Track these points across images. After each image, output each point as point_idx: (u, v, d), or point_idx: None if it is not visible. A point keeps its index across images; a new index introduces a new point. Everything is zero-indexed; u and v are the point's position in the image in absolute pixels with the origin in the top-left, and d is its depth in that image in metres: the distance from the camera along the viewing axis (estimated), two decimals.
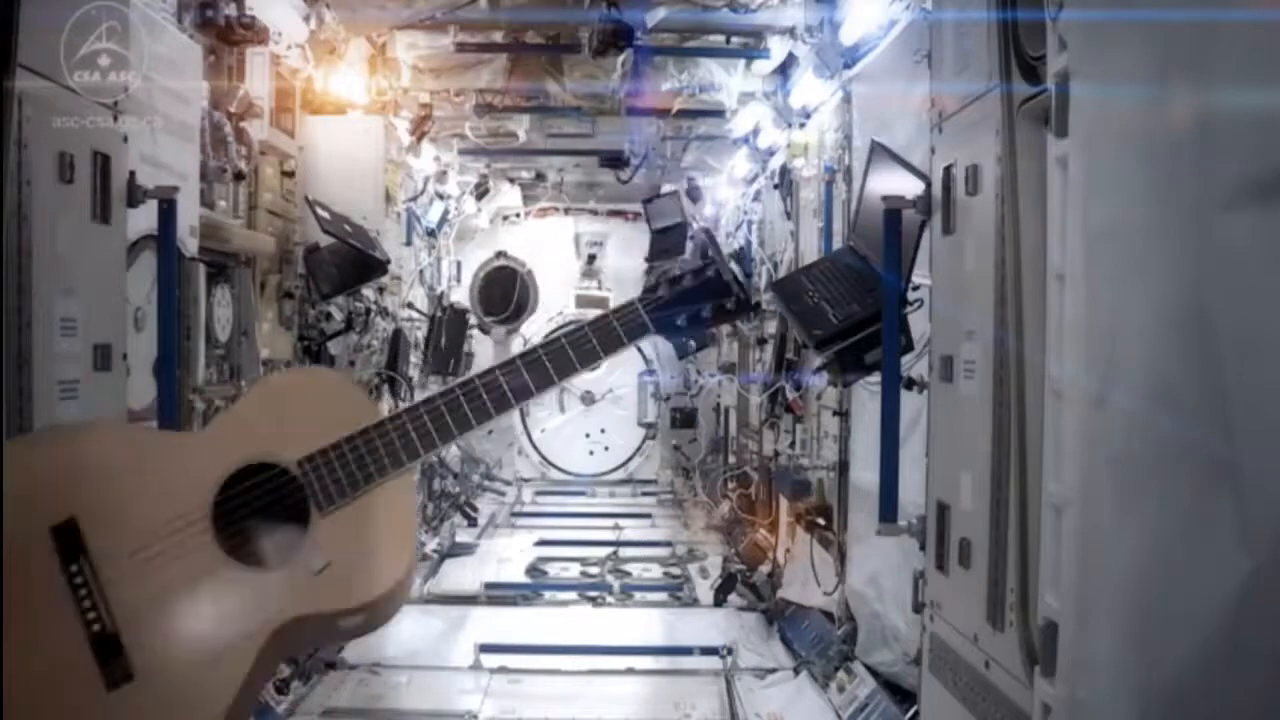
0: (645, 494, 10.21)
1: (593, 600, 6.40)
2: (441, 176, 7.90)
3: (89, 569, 1.94)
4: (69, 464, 2.06)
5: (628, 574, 7.00)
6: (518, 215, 10.12)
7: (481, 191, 8.79)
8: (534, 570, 7.11)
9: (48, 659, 1.89)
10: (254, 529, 2.07)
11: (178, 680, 1.94)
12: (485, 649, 5.16)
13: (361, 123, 5.43)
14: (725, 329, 8.30)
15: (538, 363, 2.17)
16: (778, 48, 5.35)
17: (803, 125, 5.74)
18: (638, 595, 6.57)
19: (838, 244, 4.86)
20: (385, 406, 6.37)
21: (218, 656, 1.96)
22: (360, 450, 2.07)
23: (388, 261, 5.28)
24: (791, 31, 5.13)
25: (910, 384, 2.96)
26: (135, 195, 2.73)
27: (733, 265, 2.56)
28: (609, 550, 7.43)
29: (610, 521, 8.71)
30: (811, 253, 5.41)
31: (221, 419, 2.34)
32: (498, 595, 6.42)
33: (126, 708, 1.87)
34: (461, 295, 9.53)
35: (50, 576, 1.91)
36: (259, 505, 2.05)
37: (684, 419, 9.92)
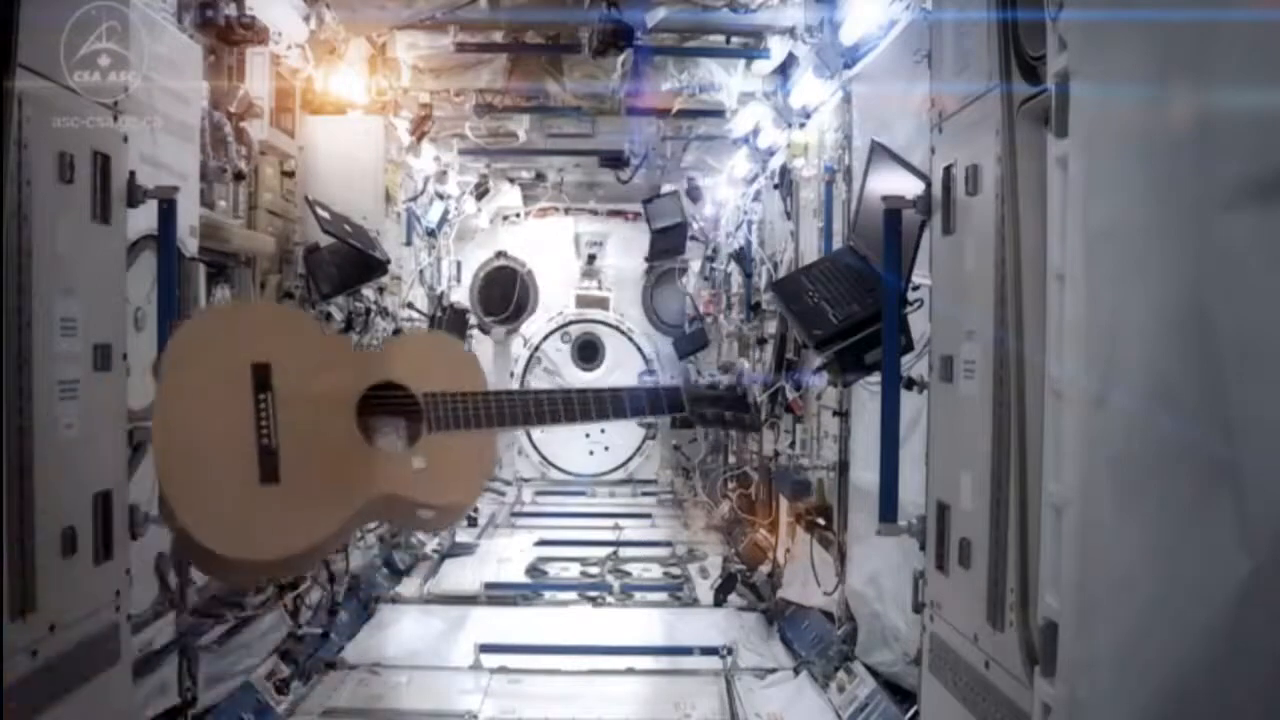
0: (645, 494, 10.21)
1: (593, 600, 6.40)
2: (441, 176, 7.90)
3: (271, 401, 2.69)
4: (278, 326, 2.96)
5: (628, 574, 7.00)
6: (518, 215, 10.11)
7: (481, 191, 8.79)
8: (534, 570, 7.11)
9: (229, 451, 2.66)
10: (378, 425, 2.84)
11: (305, 497, 2.69)
12: (485, 649, 5.16)
13: (361, 123, 5.43)
14: (725, 330, 8.33)
15: (602, 400, 3.05)
16: (778, 48, 5.35)
17: (803, 125, 5.74)
18: (638, 595, 6.57)
19: (838, 244, 4.86)
20: None
21: (335, 493, 2.72)
22: (468, 405, 2.87)
23: (388, 261, 5.28)
24: (791, 31, 5.13)
25: (910, 384, 2.96)
26: (135, 195, 2.72)
27: (755, 398, 3.46)
28: (609, 550, 7.43)
29: (610, 521, 8.70)
30: (811, 253, 5.41)
31: (385, 347, 3.57)
32: (498, 595, 6.42)
33: (269, 499, 2.64)
34: (461, 295, 9.53)
35: (244, 397, 2.68)
36: (387, 410, 2.83)
37: (684, 419, 9.91)
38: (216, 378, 2.71)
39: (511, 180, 9.26)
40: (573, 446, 10.35)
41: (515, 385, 10.44)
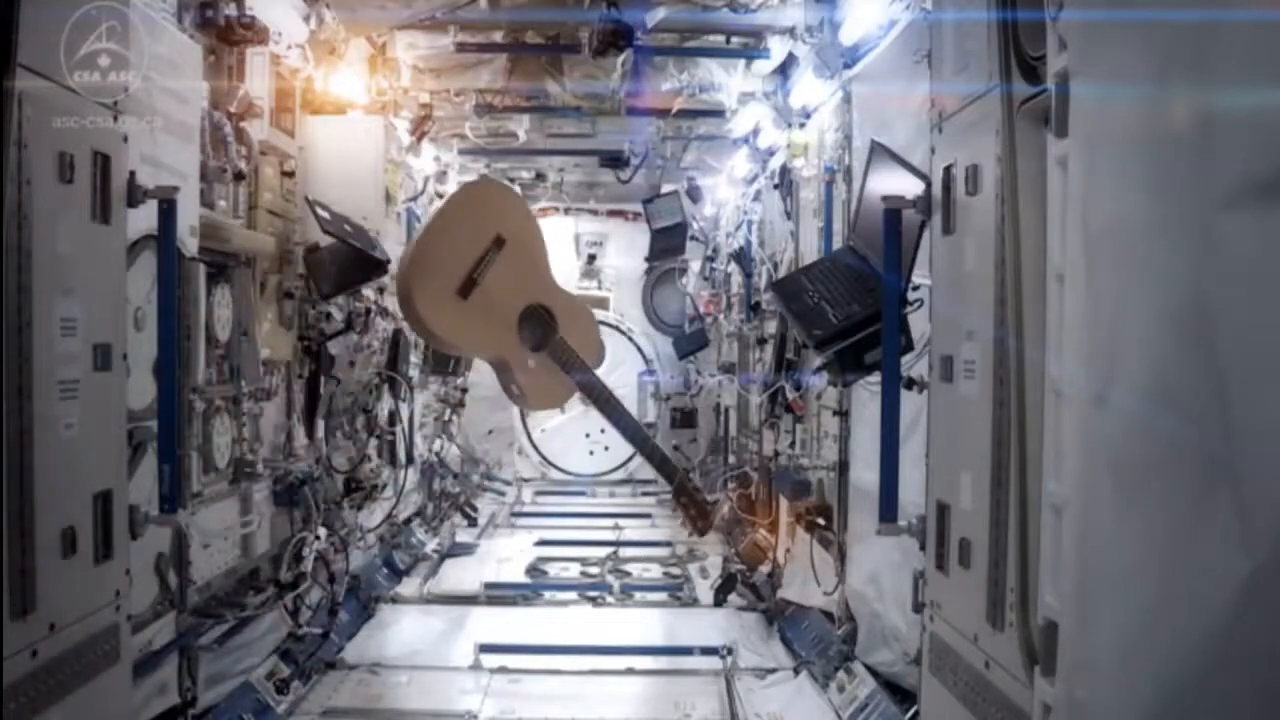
0: (645, 494, 10.19)
1: (593, 600, 6.40)
2: (441, 176, 7.89)
3: (492, 259, 4.35)
4: (528, 226, 4.78)
5: (628, 574, 7.01)
6: None
7: None
8: (534, 570, 7.11)
9: (453, 266, 4.40)
10: (526, 323, 4.53)
11: (471, 319, 4.38)
12: (485, 649, 5.16)
13: (361, 123, 5.42)
14: (725, 330, 8.34)
15: (639, 433, 4.88)
16: (778, 48, 5.34)
17: (803, 125, 5.74)
18: (638, 595, 6.58)
19: (838, 244, 4.86)
20: (386, 407, 6.38)
21: (485, 331, 4.47)
22: (576, 364, 4.55)
23: (388, 261, 5.27)
24: (791, 31, 5.13)
25: (910, 384, 2.96)
26: (135, 195, 2.72)
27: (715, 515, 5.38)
28: (609, 550, 7.43)
29: (610, 521, 8.70)
30: (811, 253, 5.41)
31: (564, 292, 4.94)
32: (498, 595, 6.42)
33: (455, 303, 4.32)
34: None
35: (481, 246, 4.44)
36: (536, 321, 4.52)
37: (684, 419, 9.92)
38: (474, 224, 4.41)
39: (511, 180, 9.25)
40: (573, 446, 10.34)
41: None
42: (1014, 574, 2.18)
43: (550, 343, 4.46)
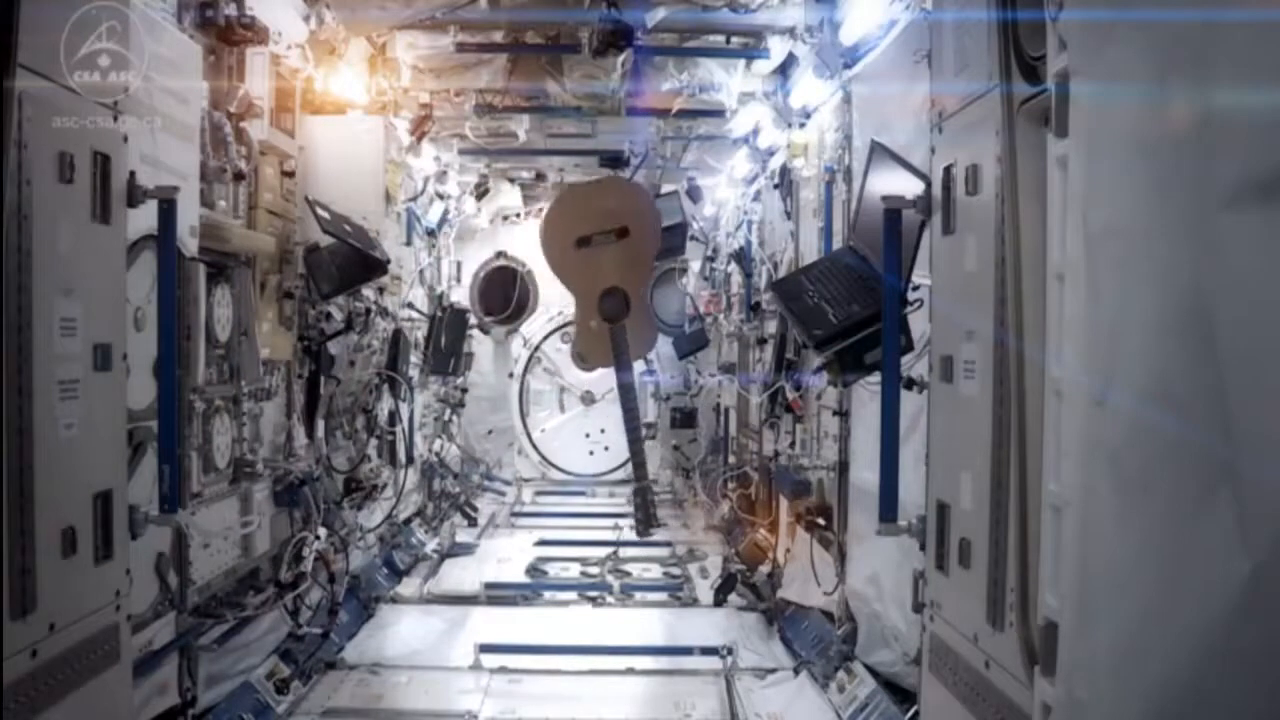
0: None
1: (593, 600, 6.40)
2: (441, 176, 7.89)
3: (608, 237, 5.28)
4: (654, 227, 5.49)
5: (628, 574, 7.01)
6: (518, 215, 10.10)
7: (481, 191, 8.79)
8: (534, 570, 7.12)
9: (576, 227, 5.44)
10: (606, 295, 5.36)
11: (574, 265, 5.44)
12: (485, 649, 5.16)
13: (361, 123, 5.43)
14: (725, 330, 8.34)
15: (637, 434, 5.39)
16: (778, 48, 5.35)
17: (803, 125, 5.74)
18: (638, 595, 6.58)
19: (838, 244, 4.86)
20: (386, 407, 6.39)
21: (579, 276, 5.40)
22: (623, 352, 5.31)
23: (388, 261, 5.28)
24: (791, 31, 5.13)
25: (910, 384, 2.96)
26: (135, 195, 2.72)
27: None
28: (609, 550, 7.43)
29: (610, 521, 8.70)
30: (811, 253, 5.42)
31: (650, 303, 5.93)
32: (498, 595, 6.43)
33: (571, 250, 5.32)
34: (461, 295, 9.53)
35: (607, 223, 5.31)
36: (610, 299, 5.32)
37: (684, 419, 9.91)
38: (615, 207, 5.32)
39: (511, 180, 9.25)
40: (573, 446, 10.34)
41: (515, 385, 10.48)
42: (1014, 574, 2.18)
43: (615, 324, 5.34)
